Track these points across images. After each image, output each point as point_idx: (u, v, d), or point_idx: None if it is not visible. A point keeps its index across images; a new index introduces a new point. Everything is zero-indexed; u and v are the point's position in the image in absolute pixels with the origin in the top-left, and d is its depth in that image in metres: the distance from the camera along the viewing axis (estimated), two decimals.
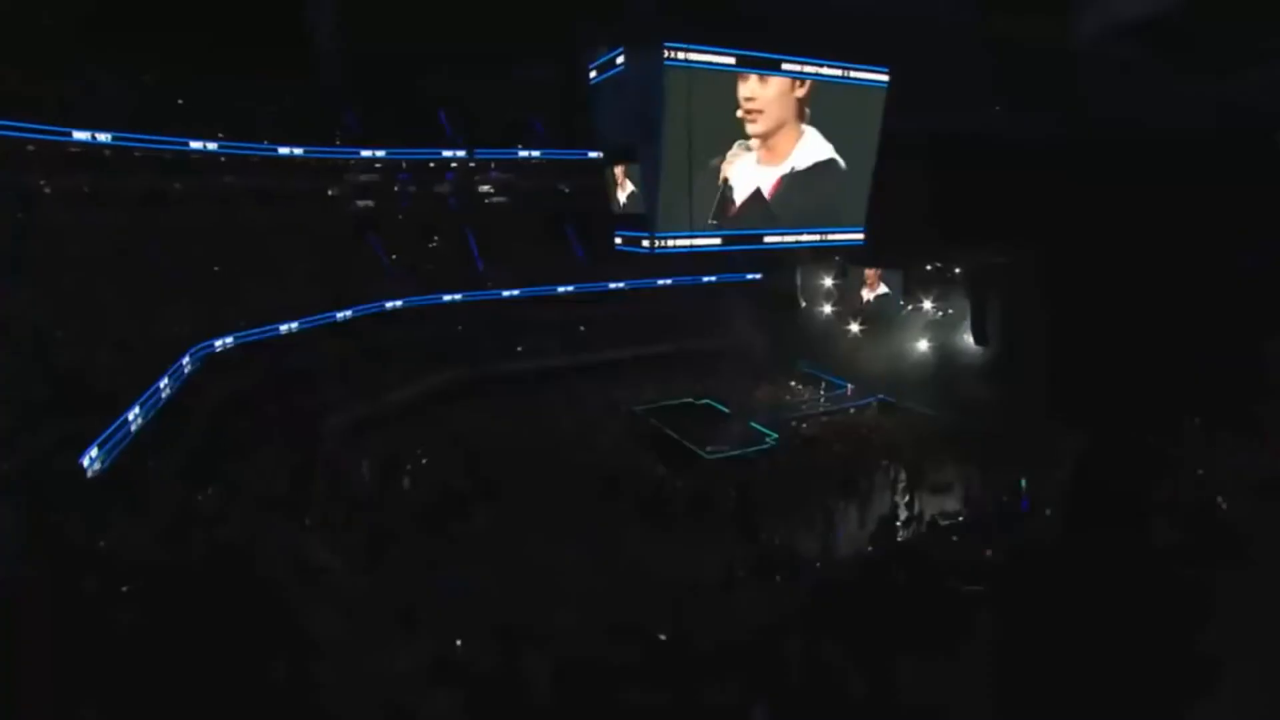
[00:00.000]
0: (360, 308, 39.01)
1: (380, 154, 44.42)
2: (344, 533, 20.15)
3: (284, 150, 39.87)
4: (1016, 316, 29.55)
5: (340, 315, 37.82)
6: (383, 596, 15.06)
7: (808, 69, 27.70)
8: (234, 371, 31.05)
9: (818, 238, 29.88)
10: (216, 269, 34.57)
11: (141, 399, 22.50)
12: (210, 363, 29.96)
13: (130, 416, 21.50)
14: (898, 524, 22.18)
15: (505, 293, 44.33)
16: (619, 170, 29.60)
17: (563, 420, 34.09)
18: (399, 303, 41.12)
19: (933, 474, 25.38)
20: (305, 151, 40.90)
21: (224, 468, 22.64)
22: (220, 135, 36.57)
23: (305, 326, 35.47)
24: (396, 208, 46.38)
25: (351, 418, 32.60)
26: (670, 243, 28.35)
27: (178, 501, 18.49)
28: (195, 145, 35.83)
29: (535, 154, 48.74)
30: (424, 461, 27.55)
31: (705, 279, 48.11)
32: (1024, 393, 26.50)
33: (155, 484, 19.67)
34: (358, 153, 43.59)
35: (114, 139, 33.14)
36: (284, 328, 34.56)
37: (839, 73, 28.40)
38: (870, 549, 20.47)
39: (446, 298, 42.84)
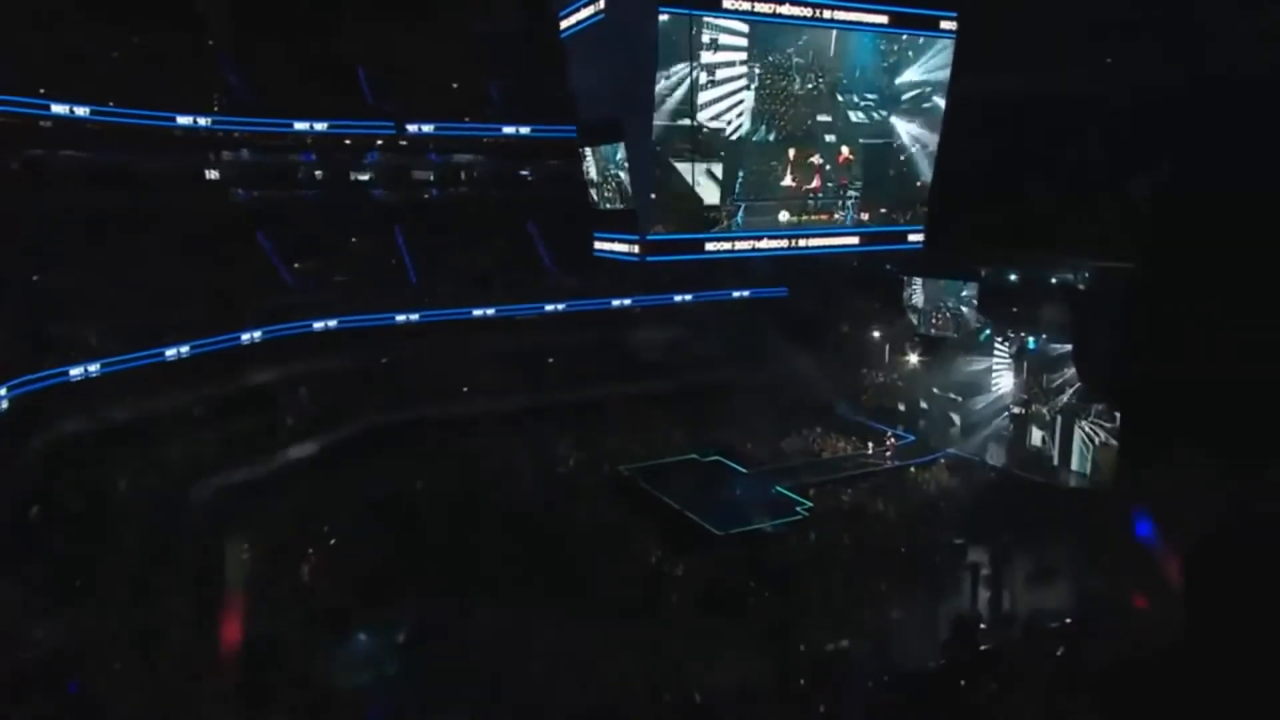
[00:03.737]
0: (274, 328, 38.87)
1: (320, 126, 44.26)
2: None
3: (183, 120, 39.78)
4: (1139, 342, 29.36)
5: (247, 337, 37.69)
6: None
7: (844, 15, 27.81)
8: (76, 413, 30.45)
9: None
10: (37, 277, 34.13)
11: None
12: (46, 399, 29.41)
13: None
14: (980, 627, 21.81)
15: (477, 311, 44.33)
16: (599, 152, 29.55)
17: (525, 484, 33.69)
18: (332, 322, 40.95)
19: (1028, 557, 25.10)
20: (213, 123, 40.91)
21: (46, 554, 22.02)
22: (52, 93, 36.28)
23: (197, 352, 35.47)
24: (298, 197, 46.36)
25: (233, 482, 31.98)
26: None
27: None
28: (58, 109, 35.69)
29: (488, 129, 48.96)
30: (332, 542, 27.08)
31: (736, 293, 48.29)
32: (1153, 446, 26.24)
33: None
34: (291, 125, 43.67)
35: None
36: (170, 352, 34.40)
37: (890, 20, 28.49)
38: (943, 660, 20.04)
39: (400, 318, 42.81)
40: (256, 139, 44.19)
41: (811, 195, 28.98)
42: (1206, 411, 24.21)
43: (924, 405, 40.59)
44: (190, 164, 42.64)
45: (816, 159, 28.43)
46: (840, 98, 28.10)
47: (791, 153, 27.87)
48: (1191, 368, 25.16)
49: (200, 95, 41.33)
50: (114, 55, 39.25)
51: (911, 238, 31.01)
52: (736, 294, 48.39)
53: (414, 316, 43.22)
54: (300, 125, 44.34)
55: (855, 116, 28.70)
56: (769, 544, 28.04)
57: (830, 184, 29.08)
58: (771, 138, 27.62)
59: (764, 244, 28.42)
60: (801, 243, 29.11)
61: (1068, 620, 21.05)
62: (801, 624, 21.85)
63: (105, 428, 31.13)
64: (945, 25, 28.64)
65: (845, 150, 28.78)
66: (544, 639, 20.70)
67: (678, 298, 47.67)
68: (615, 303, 46.89)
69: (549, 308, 45.71)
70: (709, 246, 27.58)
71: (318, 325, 40.69)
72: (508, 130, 48.35)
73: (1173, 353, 25.73)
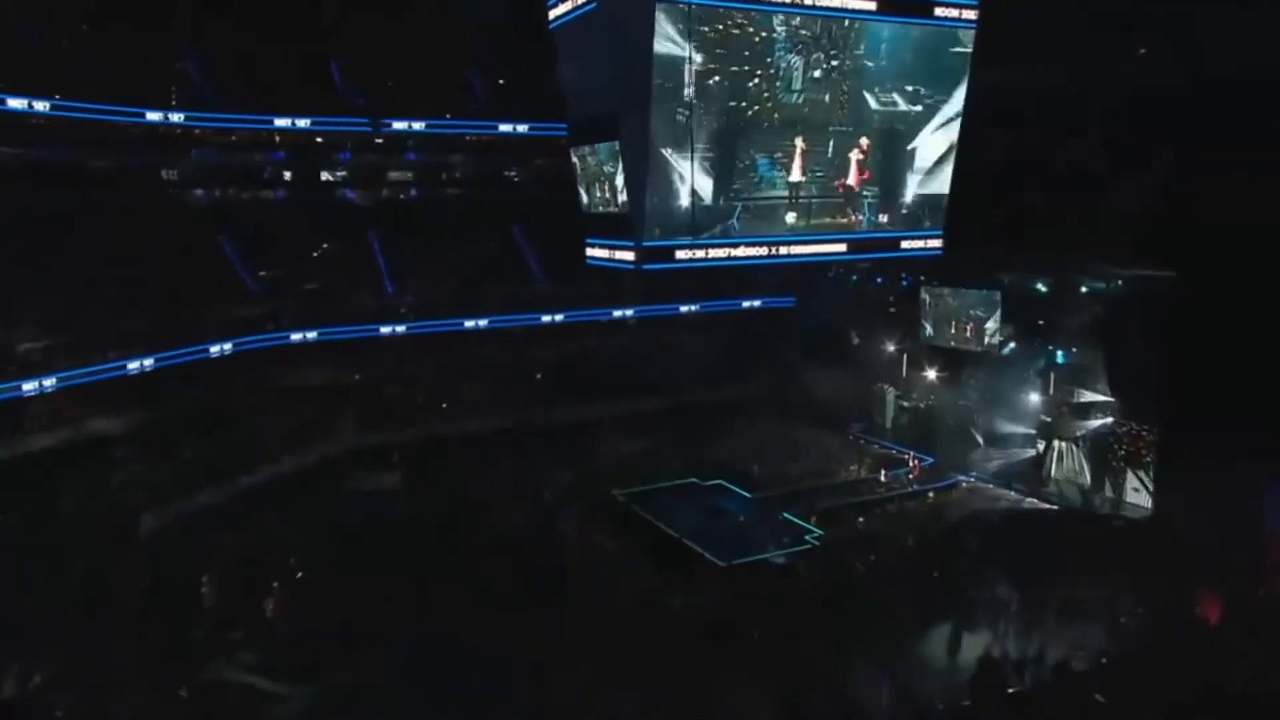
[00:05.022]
0: (246, 340, 39.09)
1: (303, 123, 44.94)
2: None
3: (153, 116, 40.08)
4: (1175, 355, 29.42)
5: (216, 349, 38.11)
6: None
7: (862, 4, 27.83)
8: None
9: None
10: None
11: None
12: None
13: None
14: (1007, 666, 21.56)
15: (469, 323, 44.37)
16: (590, 151, 29.52)
17: (508, 510, 33.49)
18: (311, 334, 41.16)
19: (1059, 590, 24.81)
20: (186, 119, 41.47)
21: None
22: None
23: (162, 365, 35.62)
24: (265, 200, 46.25)
25: (191, 508, 31.97)
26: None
27: None
28: (15, 104, 35.94)
29: (483, 127, 48.96)
30: (299, 575, 26.98)
31: (746, 303, 48.34)
32: (1191, 465, 26.25)
33: None
34: (272, 121, 44.28)
35: None
36: (134, 365, 34.55)
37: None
38: (966, 702, 20.04)
39: (385, 329, 43.02)
40: (215, 135, 44.14)
41: (838, 193, 28.64)
42: (1254, 423, 24.29)
43: (943, 424, 40.57)
44: (149, 162, 42.62)
45: (855, 153, 28.22)
46: (854, 80, 27.77)
47: (799, 143, 27.70)
48: (1237, 378, 25.27)
49: (159, 88, 41.35)
50: (64, 44, 39.20)
51: (905, 244, 30.72)
52: (747, 304, 48.48)
53: (400, 329, 43.45)
54: (281, 122, 44.64)
55: (872, 103, 28.43)
56: (777, 575, 27.95)
57: (867, 192, 28.95)
58: (771, 124, 27.34)
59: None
60: (783, 250, 28.69)
61: (1103, 660, 20.93)
62: (815, 662, 21.63)
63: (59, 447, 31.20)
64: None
65: (863, 142, 28.53)
66: (529, 679, 20.50)
67: (684, 308, 47.75)
68: (618, 313, 47.07)
69: (545, 319, 45.84)
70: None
71: (295, 337, 40.95)
72: (504, 128, 48.50)
73: (1217, 363, 25.84)
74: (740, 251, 27.74)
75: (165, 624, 23.25)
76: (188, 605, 25.21)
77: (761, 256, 28.32)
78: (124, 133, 40.29)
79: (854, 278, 44.41)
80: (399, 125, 47.17)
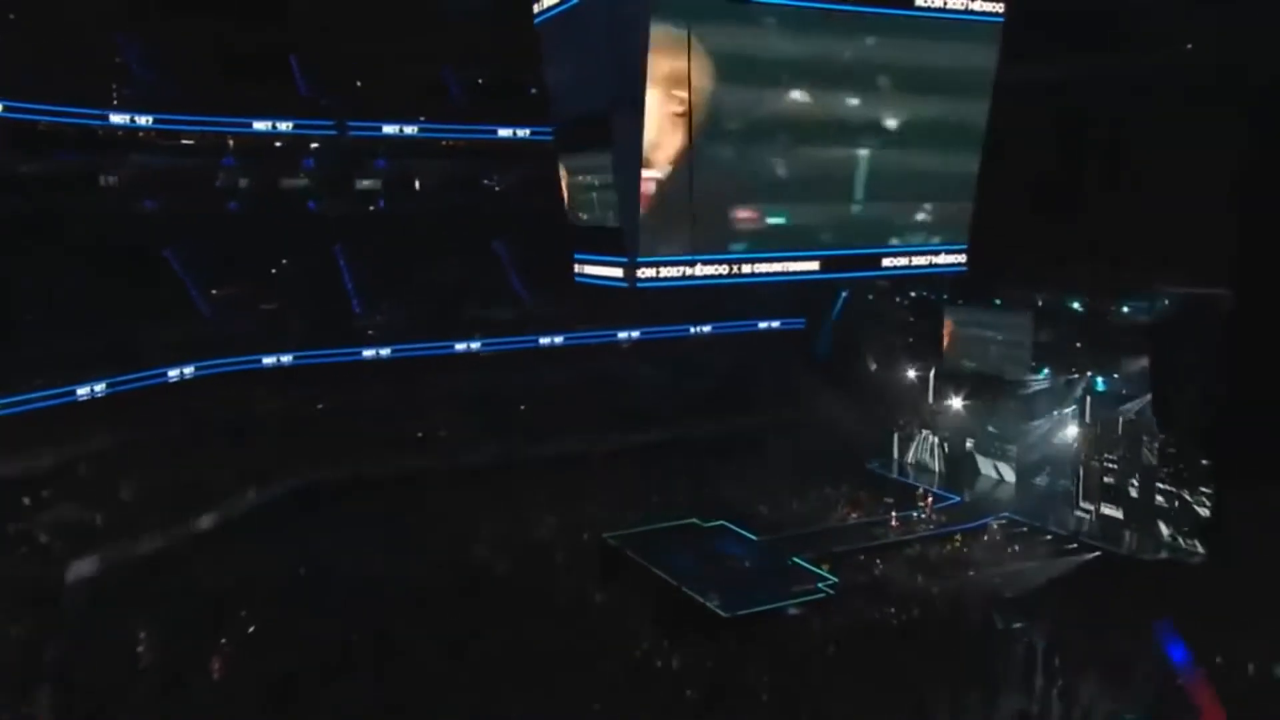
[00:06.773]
0: (211, 363, 39.38)
1: (285, 126, 45.23)
2: None
3: (117, 119, 40.43)
4: (1234, 380, 29.30)
5: (175, 373, 38.32)
6: None
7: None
8: None
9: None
10: None
11: None
12: None
13: None
14: None
15: (463, 346, 44.55)
16: (580, 160, 29.54)
17: (489, 553, 33.51)
18: (286, 357, 41.57)
19: (1103, 643, 24.52)
20: (154, 121, 41.68)
21: None
22: None
23: (115, 390, 35.85)
24: (217, 210, 46.15)
25: (128, 554, 31.78)
26: (661, 272, 27.85)
27: None
28: None
29: (480, 131, 49.15)
30: (251, 630, 26.62)
31: (761, 324, 48.64)
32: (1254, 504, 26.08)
33: None
34: (251, 124, 44.60)
35: None
36: (82, 390, 34.73)
37: (927, 2, 28.55)
38: None
39: (368, 353, 43.30)
40: (161, 138, 44.10)
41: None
42: None
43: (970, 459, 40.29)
44: (89, 168, 42.72)
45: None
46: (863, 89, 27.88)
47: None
48: None
49: (95, 86, 41.23)
50: None
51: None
52: (764, 325, 48.68)
53: (384, 352, 43.90)
54: (260, 125, 44.96)
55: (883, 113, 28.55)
56: (786, 628, 27.67)
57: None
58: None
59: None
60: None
61: None
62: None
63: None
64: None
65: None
66: None
67: (694, 329, 48.18)
68: (622, 334, 47.37)
69: (544, 341, 46.24)
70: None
71: (268, 360, 41.40)
72: (504, 133, 48.84)
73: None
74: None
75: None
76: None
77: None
78: (60, 134, 40.36)
79: (870, 296, 44.35)
80: (389, 129, 47.42)
